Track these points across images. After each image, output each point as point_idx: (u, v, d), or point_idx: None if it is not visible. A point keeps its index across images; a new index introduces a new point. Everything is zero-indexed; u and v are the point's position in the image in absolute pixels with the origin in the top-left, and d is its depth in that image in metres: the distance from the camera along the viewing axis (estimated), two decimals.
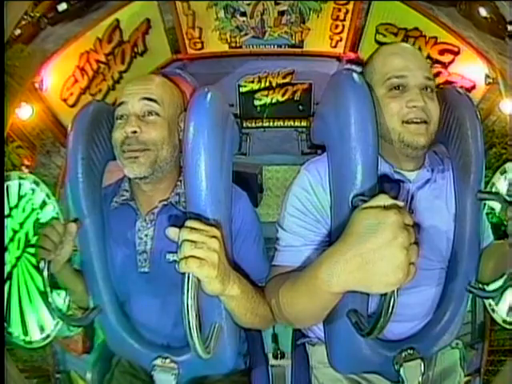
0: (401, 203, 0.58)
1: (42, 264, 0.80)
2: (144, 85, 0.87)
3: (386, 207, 0.57)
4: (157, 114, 0.86)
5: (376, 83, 0.85)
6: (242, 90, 3.31)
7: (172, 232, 0.68)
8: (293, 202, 0.86)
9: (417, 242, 0.57)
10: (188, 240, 0.65)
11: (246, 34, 2.99)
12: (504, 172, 2.07)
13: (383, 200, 0.58)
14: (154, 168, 0.86)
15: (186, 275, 0.66)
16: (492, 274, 0.90)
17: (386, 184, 0.83)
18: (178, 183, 0.91)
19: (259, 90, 3.34)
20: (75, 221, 0.86)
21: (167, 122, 0.87)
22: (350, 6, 2.81)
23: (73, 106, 2.44)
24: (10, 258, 1.91)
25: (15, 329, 1.92)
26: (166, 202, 0.90)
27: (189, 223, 0.68)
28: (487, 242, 0.95)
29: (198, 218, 0.73)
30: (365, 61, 0.92)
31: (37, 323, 1.97)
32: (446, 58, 2.52)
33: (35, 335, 1.98)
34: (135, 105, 0.85)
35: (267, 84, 3.33)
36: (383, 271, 0.56)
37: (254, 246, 0.91)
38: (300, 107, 3.37)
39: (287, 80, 3.31)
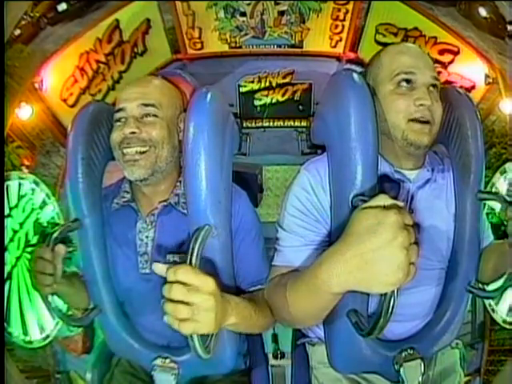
0: (401, 203, 0.58)
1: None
2: (142, 89, 0.87)
3: (385, 207, 0.57)
4: (155, 116, 0.86)
5: (383, 80, 0.85)
6: (242, 89, 3.31)
7: (158, 268, 0.64)
8: (293, 202, 0.86)
9: (417, 241, 0.57)
10: (182, 301, 0.59)
11: (245, 34, 2.99)
12: (504, 172, 2.07)
13: (383, 200, 0.58)
14: (154, 169, 0.86)
15: None
16: (492, 273, 0.90)
17: (386, 184, 0.83)
18: (178, 184, 0.91)
19: (259, 89, 3.34)
20: (75, 221, 0.86)
21: (166, 123, 0.87)
22: (350, 6, 2.81)
23: (72, 106, 2.44)
24: (9, 257, 1.91)
25: (15, 329, 1.92)
26: (165, 203, 0.90)
27: (181, 275, 0.59)
28: (487, 242, 0.95)
29: (190, 259, 0.65)
30: (369, 60, 0.92)
31: (37, 323, 1.97)
32: (446, 58, 2.53)
33: (35, 335, 1.98)
34: (133, 110, 0.86)
35: (267, 84, 3.33)
36: (383, 271, 0.56)
37: (254, 245, 0.90)
38: (300, 107, 3.37)
39: (287, 80, 3.31)
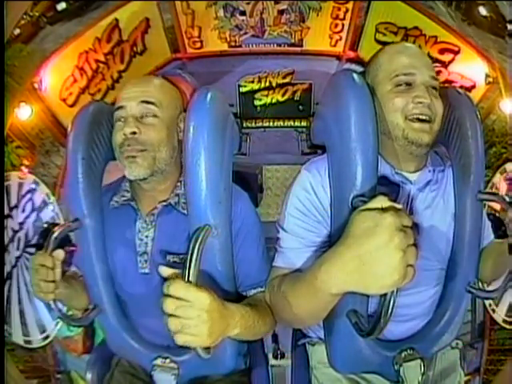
0: (399, 205, 0.58)
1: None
2: (142, 87, 0.87)
3: (383, 209, 0.57)
4: (155, 116, 0.86)
5: (382, 80, 0.84)
6: (242, 89, 3.30)
7: (164, 272, 0.66)
8: (293, 203, 0.86)
9: (415, 243, 0.57)
10: (175, 316, 0.60)
11: (245, 33, 2.99)
12: (504, 172, 2.07)
13: (381, 202, 0.58)
14: (153, 169, 0.86)
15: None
16: (491, 273, 0.90)
17: (386, 186, 0.83)
18: (178, 184, 0.91)
19: (259, 89, 3.33)
20: (75, 221, 0.86)
21: (166, 124, 0.87)
22: (350, 5, 2.80)
23: (72, 105, 2.43)
24: (10, 258, 1.91)
25: (15, 329, 1.92)
26: (165, 203, 0.90)
27: (173, 290, 0.60)
28: (487, 241, 0.95)
29: (185, 271, 0.64)
30: (367, 60, 0.92)
31: (37, 323, 1.97)
32: (446, 57, 2.52)
33: (35, 335, 1.98)
34: (133, 108, 0.85)
35: (267, 84, 3.32)
36: (379, 273, 0.56)
37: (254, 247, 0.90)
38: (300, 107, 3.36)
39: (287, 80, 3.30)
